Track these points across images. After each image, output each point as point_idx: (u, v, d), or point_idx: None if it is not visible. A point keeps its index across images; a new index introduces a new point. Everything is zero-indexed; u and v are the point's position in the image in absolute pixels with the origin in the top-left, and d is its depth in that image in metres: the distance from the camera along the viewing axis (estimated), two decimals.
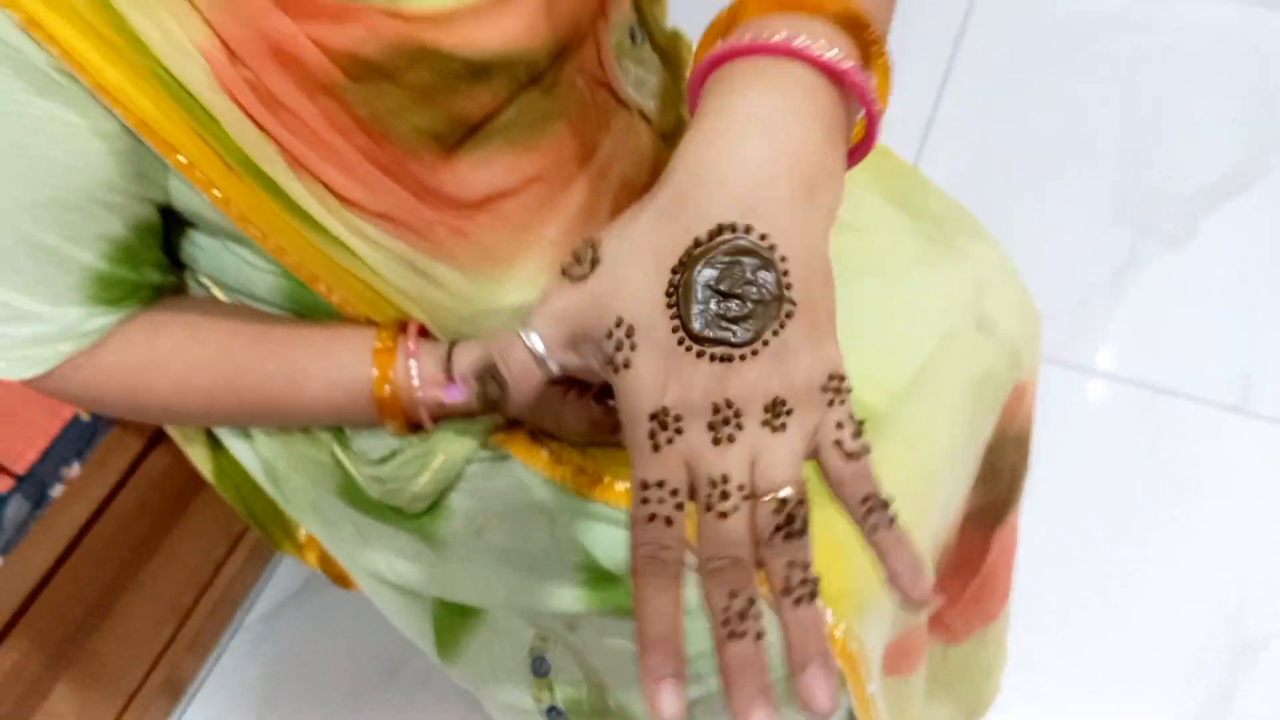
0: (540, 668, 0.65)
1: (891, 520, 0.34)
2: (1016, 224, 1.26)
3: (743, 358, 0.34)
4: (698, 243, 0.35)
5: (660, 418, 0.34)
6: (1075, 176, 1.43)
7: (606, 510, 0.58)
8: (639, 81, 0.58)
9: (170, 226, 0.53)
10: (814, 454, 0.35)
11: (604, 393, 0.54)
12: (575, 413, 0.55)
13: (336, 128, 0.46)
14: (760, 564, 0.34)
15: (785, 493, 0.33)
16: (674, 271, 0.35)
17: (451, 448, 0.57)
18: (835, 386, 0.34)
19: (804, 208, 0.36)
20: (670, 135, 0.61)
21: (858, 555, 0.58)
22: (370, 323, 0.54)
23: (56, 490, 0.98)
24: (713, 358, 0.34)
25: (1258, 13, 1.53)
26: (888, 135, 0.76)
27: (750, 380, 0.34)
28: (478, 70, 0.47)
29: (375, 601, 0.71)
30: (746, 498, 0.34)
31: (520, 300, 0.53)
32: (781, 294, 0.34)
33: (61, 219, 0.46)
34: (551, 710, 0.66)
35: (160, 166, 0.47)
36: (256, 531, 0.76)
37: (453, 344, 0.53)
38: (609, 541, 0.58)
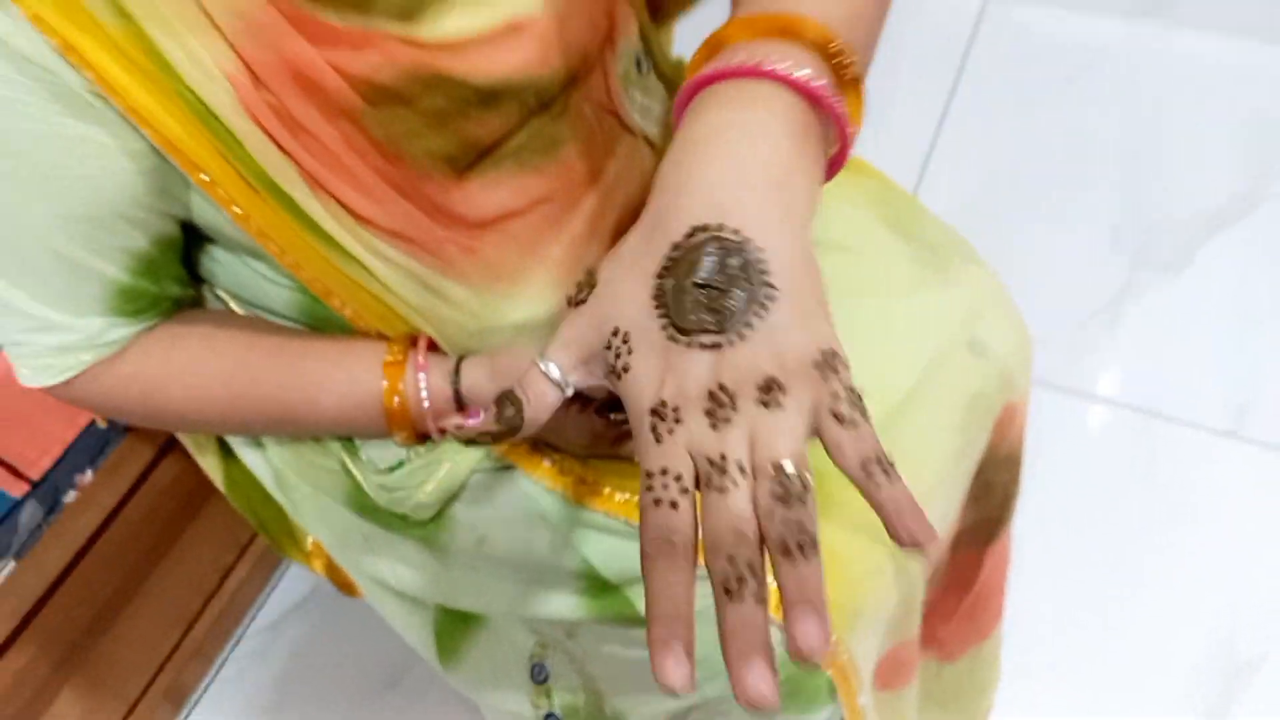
0: (539, 675, 0.66)
1: (888, 473, 0.34)
2: (1016, 250, 1.29)
3: (731, 343, 0.35)
4: (676, 246, 0.37)
5: (659, 410, 0.35)
6: (1074, 204, 1.44)
7: (606, 520, 0.59)
8: (644, 109, 0.60)
9: (190, 241, 0.55)
10: (816, 431, 0.35)
11: (605, 407, 0.56)
12: (577, 425, 0.56)
13: (354, 149, 0.48)
14: (764, 539, 0.33)
15: (785, 466, 0.33)
16: (658, 277, 0.36)
17: (457, 458, 0.59)
18: (830, 363, 0.34)
19: (776, 203, 0.37)
20: None
21: (850, 567, 0.60)
22: (381, 337, 0.55)
23: (69, 496, 0.98)
24: (703, 346, 0.35)
25: (1254, 44, 1.54)
26: (889, 162, 0.78)
27: (741, 364, 0.34)
28: (489, 97, 0.49)
29: (378, 608, 0.72)
30: (748, 476, 0.34)
31: (526, 316, 0.55)
32: (757, 278, 0.35)
33: (89, 234, 0.48)
34: (549, 716, 0.67)
35: (183, 184, 0.48)
36: (265, 539, 0.76)
37: (460, 358, 0.55)
38: (608, 551, 0.59)
